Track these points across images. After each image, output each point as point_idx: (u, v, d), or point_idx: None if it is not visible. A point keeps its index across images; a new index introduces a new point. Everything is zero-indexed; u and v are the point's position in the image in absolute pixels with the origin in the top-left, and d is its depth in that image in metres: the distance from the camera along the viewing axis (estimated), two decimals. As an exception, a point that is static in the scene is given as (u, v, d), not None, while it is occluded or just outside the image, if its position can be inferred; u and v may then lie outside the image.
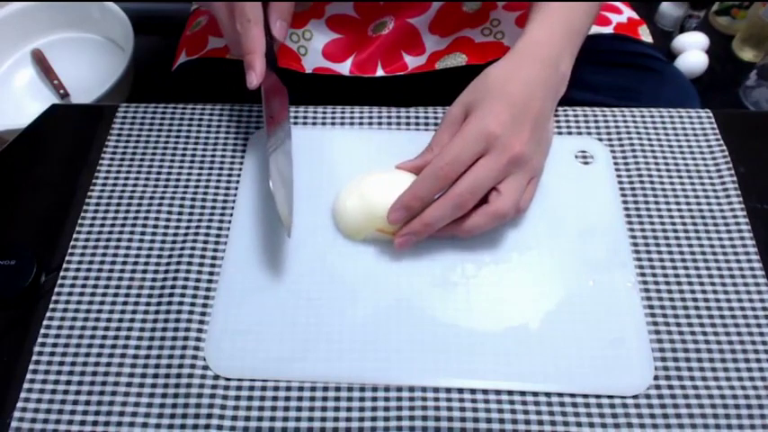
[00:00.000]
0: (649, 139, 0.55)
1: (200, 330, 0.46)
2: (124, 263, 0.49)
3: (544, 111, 0.49)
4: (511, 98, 0.47)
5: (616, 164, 0.54)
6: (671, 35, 1.42)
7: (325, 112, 0.58)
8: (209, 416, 0.42)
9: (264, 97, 0.50)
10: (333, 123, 0.57)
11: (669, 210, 0.51)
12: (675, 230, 0.50)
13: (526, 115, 0.47)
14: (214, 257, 0.49)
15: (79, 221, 0.51)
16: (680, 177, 0.53)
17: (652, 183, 0.53)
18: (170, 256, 0.49)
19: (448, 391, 0.43)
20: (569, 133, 0.56)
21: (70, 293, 0.48)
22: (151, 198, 0.52)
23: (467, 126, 0.47)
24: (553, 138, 0.53)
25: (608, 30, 0.66)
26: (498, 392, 0.43)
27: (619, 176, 0.53)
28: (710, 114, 0.57)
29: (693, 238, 0.50)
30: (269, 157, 0.48)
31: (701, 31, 1.39)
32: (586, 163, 0.54)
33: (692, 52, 1.34)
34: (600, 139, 0.55)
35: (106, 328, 0.46)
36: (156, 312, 0.47)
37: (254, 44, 0.47)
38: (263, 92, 0.50)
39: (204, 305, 0.47)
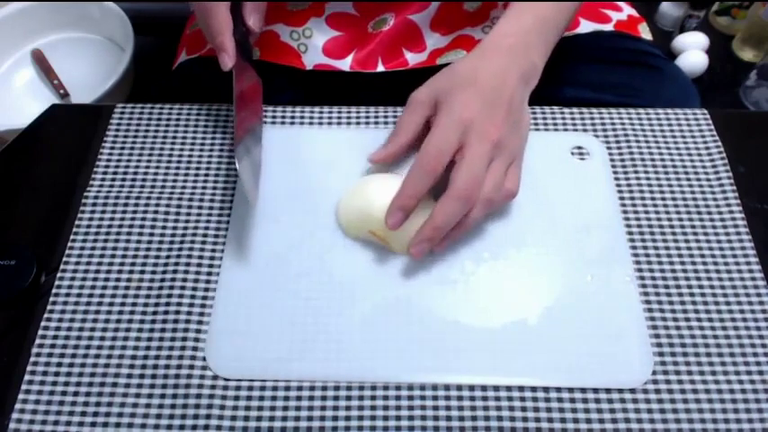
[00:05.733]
0: (645, 138, 0.55)
1: (198, 331, 0.46)
2: (122, 263, 0.49)
3: (516, 96, 0.49)
4: (479, 87, 0.48)
5: (612, 162, 0.54)
6: (671, 35, 1.42)
7: (321, 112, 0.58)
8: (209, 416, 0.42)
9: (236, 87, 0.51)
10: (329, 123, 0.57)
11: (666, 207, 0.51)
12: (672, 227, 0.50)
13: (498, 101, 0.47)
14: (212, 257, 0.49)
15: (76, 222, 0.51)
16: (676, 175, 0.53)
17: (648, 180, 0.53)
18: (168, 257, 0.49)
19: (447, 388, 0.43)
20: (565, 130, 0.56)
21: (68, 294, 0.48)
22: (149, 198, 0.52)
23: (439, 119, 0.47)
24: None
25: (608, 27, 0.66)
26: (497, 388, 0.43)
27: (615, 174, 0.53)
28: (707, 114, 0.57)
29: (690, 234, 0.50)
30: (238, 143, 0.49)
31: (701, 31, 1.39)
32: (582, 159, 0.54)
33: (692, 52, 1.34)
34: (596, 137, 0.55)
35: (104, 329, 0.46)
36: (155, 313, 0.47)
37: (221, 26, 0.49)
38: (235, 78, 0.51)
39: (203, 305, 0.47)
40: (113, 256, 0.50)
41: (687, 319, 0.46)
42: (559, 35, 0.54)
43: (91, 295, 0.48)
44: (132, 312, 0.47)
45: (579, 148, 0.55)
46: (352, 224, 0.49)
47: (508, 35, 0.51)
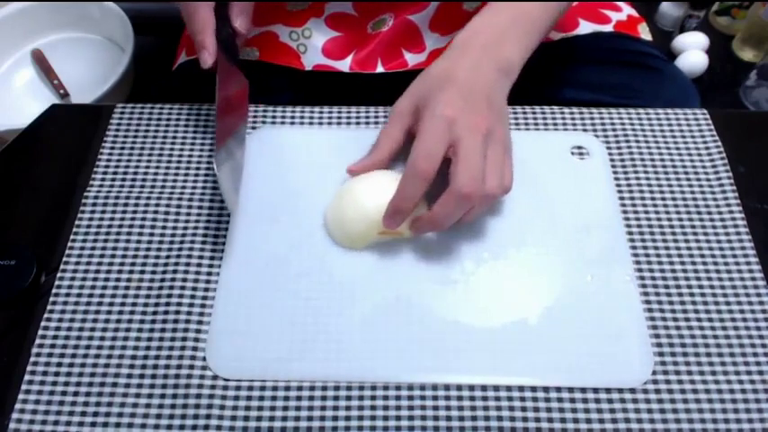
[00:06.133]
0: (645, 138, 0.55)
1: (198, 331, 0.46)
2: (122, 263, 0.49)
3: (494, 89, 0.49)
4: (457, 84, 0.47)
5: (612, 162, 0.54)
6: (671, 35, 1.42)
7: (321, 112, 0.58)
8: (209, 416, 0.42)
9: (220, 89, 0.52)
10: (329, 123, 0.57)
11: (666, 207, 0.51)
12: (672, 227, 0.50)
13: (477, 94, 0.47)
14: (212, 257, 0.49)
15: (76, 222, 0.51)
16: (676, 175, 0.53)
17: (648, 180, 0.53)
18: (168, 257, 0.49)
19: (447, 388, 0.43)
20: (565, 130, 0.56)
21: (68, 294, 0.48)
22: (149, 198, 0.52)
23: (423, 122, 0.47)
24: (548, 133, 0.53)
25: (608, 28, 0.66)
26: (497, 388, 0.43)
27: (615, 174, 0.53)
28: (707, 114, 0.57)
29: (690, 234, 0.50)
30: (219, 148, 0.50)
31: (701, 31, 1.38)
32: (582, 159, 0.54)
33: (692, 52, 1.34)
34: (596, 137, 0.55)
35: (104, 329, 0.46)
36: (155, 313, 0.47)
37: (202, 25, 0.50)
38: (219, 80, 0.52)
39: (203, 305, 0.47)
40: (113, 256, 0.50)
41: (687, 319, 0.46)
42: (541, 34, 0.53)
43: (91, 295, 0.48)
44: (132, 312, 0.47)
45: (579, 147, 0.55)
46: (358, 236, 0.49)
47: (480, 32, 0.51)
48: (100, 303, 0.47)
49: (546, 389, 0.43)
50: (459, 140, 0.46)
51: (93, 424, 0.42)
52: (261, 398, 0.43)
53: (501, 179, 0.46)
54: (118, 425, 0.42)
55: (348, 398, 0.43)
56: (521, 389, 0.43)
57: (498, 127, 0.48)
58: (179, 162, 0.55)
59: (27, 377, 0.44)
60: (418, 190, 0.46)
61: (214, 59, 0.50)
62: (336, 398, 0.43)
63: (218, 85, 0.52)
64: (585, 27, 0.65)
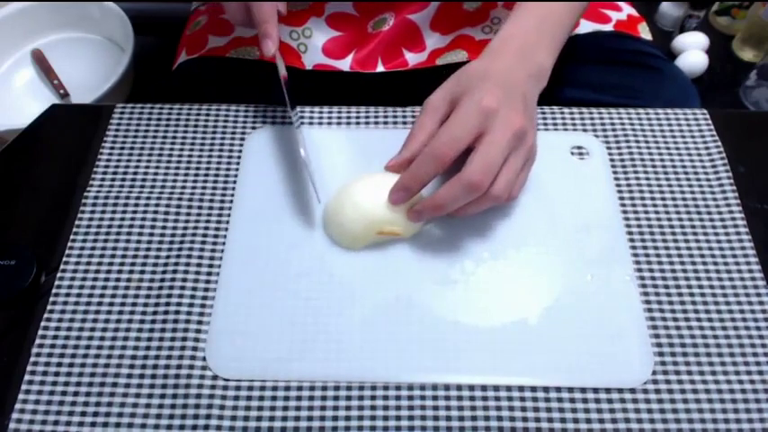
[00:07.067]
0: (645, 138, 0.55)
1: (198, 331, 0.46)
2: (122, 263, 0.49)
3: (528, 93, 0.48)
4: (497, 80, 0.47)
5: (612, 162, 0.54)
6: (671, 35, 1.42)
7: (321, 112, 0.58)
8: (209, 416, 0.42)
9: (281, 71, 0.53)
10: (329, 123, 0.57)
11: (666, 207, 0.52)
12: (672, 227, 0.50)
13: (516, 94, 0.47)
14: (212, 257, 0.49)
15: (76, 222, 0.51)
16: (676, 175, 0.53)
17: (648, 180, 0.53)
18: (168, 257, 0.49)
19: (447, 388, 0.43)
20: (565, 130, 0.56)
21: (68, 294, 0.48)
22: (149, 198, 0.52)
23: (461, 106, 0.46)
24: (548, 133, 0.53)
25: (608, 27, 0.66)
26: (497, 388, 0.43)
27: (615, 174, 0.53)
28: (706, 114, 0.57)
29: (690, 234, 0.50)
30: (297, 129, 0.51)
31: (701, 31, 1.39)
32: (582, 159, 0.54)
33: (692, 52, 1.34)
34: (596, 137, 0.55)
35: (104, 329, 0.46)
36: (155, 313, 0.47)
37: (266, 14, 0.50)
38: (279, 63, 0.52)
39: (203, 305, 0.47)
40: (113, 256, 0.50)
41: (687, 319, 0.46)
42: (567, 33, 0.53)
43: (91, 295, 0.48)
44: (132, 312, 0.47)
45: (579, 147, 0.55)
46: (357, 236, 0.49)
47: (515, 36, 0.51)
48: (100, 303, 0.47)
49: (546, 389, 0.43)
50: (488, 131, 0.45)
51: (93, 424, 0.42)
52: (261, 398, 0.43)
53: (509, 186, 0.46)
54: (118, 425, 0.42)
55: (348, 398, 0.43)
56: (521, 389, 0.43)
57: (531, 131, 0.47)
58: (179, 162, 0.55)
59: (27, 377, 0.44)
60: (431, 171, 0.45)
61: (277, 47, 0.50)
62: (336, 398, 0.43)
63: (281, 72, 0.52)
64: (586, 26, 0.65)
